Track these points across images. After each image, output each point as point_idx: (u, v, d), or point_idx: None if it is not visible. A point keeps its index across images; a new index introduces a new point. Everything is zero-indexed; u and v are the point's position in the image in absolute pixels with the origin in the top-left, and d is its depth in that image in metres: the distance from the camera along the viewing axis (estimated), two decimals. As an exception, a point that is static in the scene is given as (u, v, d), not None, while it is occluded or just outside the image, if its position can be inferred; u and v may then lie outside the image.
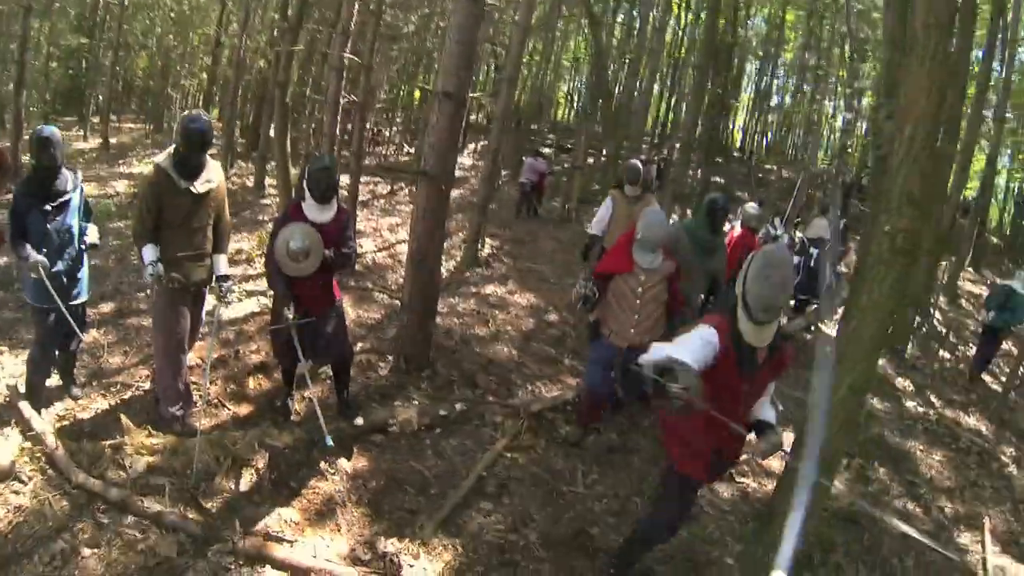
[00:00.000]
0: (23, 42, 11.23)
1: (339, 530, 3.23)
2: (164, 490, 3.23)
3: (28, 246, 3.50)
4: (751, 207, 6.59)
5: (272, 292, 4.16)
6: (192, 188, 3.55)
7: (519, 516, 3.47)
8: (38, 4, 12.85)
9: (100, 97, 19.79)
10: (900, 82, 2.88)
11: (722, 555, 3.48)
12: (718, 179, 18.22)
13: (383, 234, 9.91)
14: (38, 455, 3.42)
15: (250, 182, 12.61)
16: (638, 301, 3.83)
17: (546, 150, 17.37)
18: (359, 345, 5.24)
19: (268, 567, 2.86)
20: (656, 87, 23.33)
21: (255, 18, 17.36)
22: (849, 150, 18.43)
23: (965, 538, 4.43)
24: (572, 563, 3.18)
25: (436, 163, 4.49)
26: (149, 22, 19.59)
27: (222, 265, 3.87)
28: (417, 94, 20.73)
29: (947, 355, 8.65)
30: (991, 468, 5.62)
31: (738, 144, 26.39)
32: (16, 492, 3.17)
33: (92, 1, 19.39)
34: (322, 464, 3.64)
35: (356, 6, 7.81)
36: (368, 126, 20.55)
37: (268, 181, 12.15)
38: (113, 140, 16.45)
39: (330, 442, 3.36)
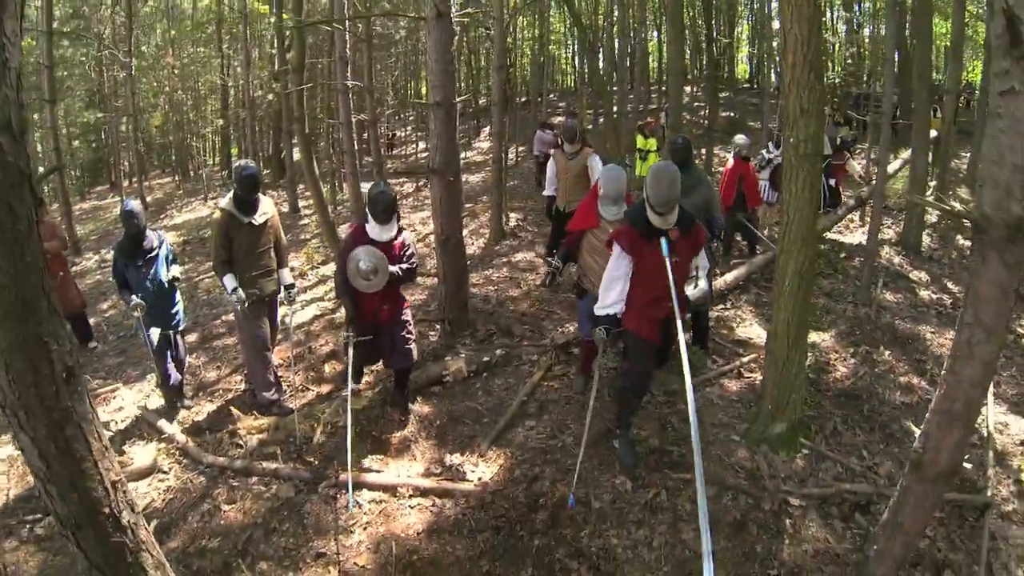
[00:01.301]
0: (55, 131, 12.47)
1: (414, 458, 4.25)
2: (276, 455, 4.30)
3: (130, 293, 4.73)
4: (739, 138, 7.27)
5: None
6: (252, 221, 4.60)
7: (556, 426, 4.38)
8: (58, 92, 14.26)
9: (125, 163, 21.45)
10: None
11: (729, 435, 4.20)
12: (730, 114, 18.59)
13: (416, 227, 11.02)
14: (172, 451, 4.56)
15: (285, 207, 13.87)
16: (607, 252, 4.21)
17: (557, 119, 18.15)
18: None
19: (365, 490, 3.90)
20: (655, 34, 23.79)
21: (255, 54, 18.62)
22: (850, 61, 18.46)
23: None
24: (600, 453, 4.05)
25: (441, 160, 5.40)
26: (156, 83, 21.07)
27: (286, 277, 4.93)
28: (424, 90, 21.77)
29: (967, 242, 9.08)
30: (1006, 341, 6.00)
31: (747, 75, 26.49)
32: (161, 480, 4.30)
33: (99, 75, 21.02)
34: (395, 416, 4.65)
35: (347, 37, 8.83)
36: (382, 131, 21.82)
37: (301, 203, 13.36)
38: (148, 198, 18.00)
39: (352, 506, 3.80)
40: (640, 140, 12.10)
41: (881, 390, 4.73)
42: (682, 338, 3.12)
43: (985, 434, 4.23)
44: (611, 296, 3.65)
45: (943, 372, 2.33)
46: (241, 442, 4.56)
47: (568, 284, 5.57)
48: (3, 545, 3.81)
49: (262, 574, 3.41)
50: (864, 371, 5.05)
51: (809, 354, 5.34)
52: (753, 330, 5.81)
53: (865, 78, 17.07)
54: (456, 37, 5.66)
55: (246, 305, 4.63)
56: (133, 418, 5.18)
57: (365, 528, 3.65)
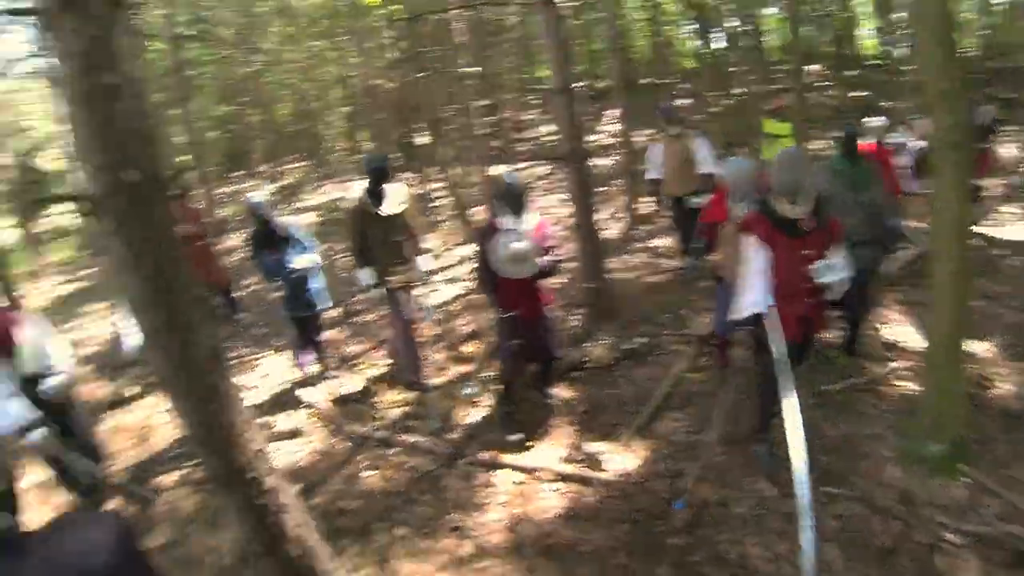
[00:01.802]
0: (189, 125, 14.19)
1: (557, 443, 4.29)
2: (416, 429, 4.49)
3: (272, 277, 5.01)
4: (874, 121, 6.73)
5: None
6: (384, 212, 4.70)
7: (701, 421, 4.24)
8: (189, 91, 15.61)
9: (260, 149, 23.00)
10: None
11: (880, 450, 3.90)
12: (859, 93, 17.26)
13: (552, 210, 10.90)
14: (316, 417, 4.88)
15: (417, 191, 14.35)
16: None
17: (682, 101, 17.66)
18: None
19: (501, 471, 4.00)
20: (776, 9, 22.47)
21: (372, 45, 19.34)
22: (989, 31, 16.51)
23: None
24: (746, 452, 3.91)
25: (567, 147, 5.41)
26: (281, 76, 22.34)
27: (424, 263, 5.03)
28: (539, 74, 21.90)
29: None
30: None
31: (875, 52, 24.47)
32: (309, 443, 4.63)
33: (226, 72, 22.56)
34: (536, 400, 4.71)
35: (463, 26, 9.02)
36: (506, 116, 22.09)
37: (431, 186, 13.81)
38: (284, 182, 19.26)
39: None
40: (768, 124, 11.37)
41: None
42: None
43: None
44: (754, 294, 3.48)
45: None
46: (382, 415, 4.81)
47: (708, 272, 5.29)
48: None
49: (401, 538, 3.59)
50: (1031, 385, 4.52)
51: (967, 366, 4.90)
52: (901, 331, 5.38)
53: (1005, 50, 15.28)
54: (564, 21, 5.59)
55: (382, 292, 4.85)
56: (279, 385, 5.60)
57: (503, 507, 3.74)
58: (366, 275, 4.83)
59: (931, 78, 3.23)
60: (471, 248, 4.63)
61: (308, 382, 5.37)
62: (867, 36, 25.64)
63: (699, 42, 18.91)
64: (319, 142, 23.02)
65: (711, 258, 4.44)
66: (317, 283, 5.22)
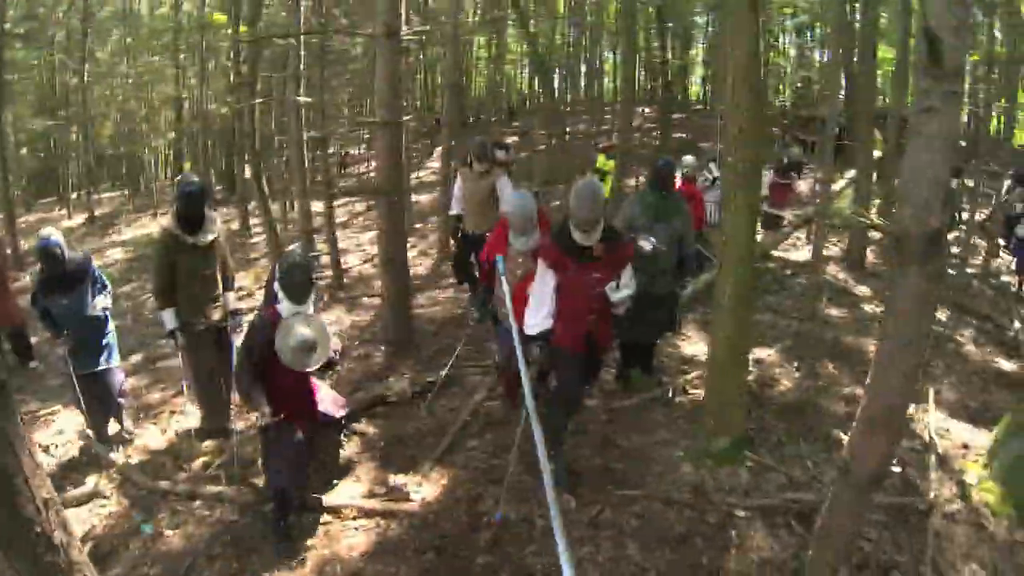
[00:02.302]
0: (2, 137, 12.21)
1: (359, 479, 4.18)
2: (220, 478, 4.17)
3: (55, 327, 4.29)
4: (686, 159, 7.39)
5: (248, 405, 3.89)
6: (197, 242, 4.27)
7: (499, 447, 4.33)
8: (7, 97, 13.89)
9: (74, 174, 20.80)
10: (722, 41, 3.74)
11: (673, 452, 4.21)
12: (682, 135, 18.98)
13: (365, 248, 10.89)
14: (113, 476, 4.38)
15: (236, 224, 13.61)
16: (519, 284, 4.02)
17: (511, 139, 18.28)
18: (354, 343, 6.31)
19: (305, 513, 3.82)
20: (609, 55, 24.24)
21: (212, 66, 18.34)
22: (800, 85, 19.20)
23: (913, 410, 4.77)
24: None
25: (386, 180, 5.37)
26: (109, 92, 20.53)
27: (231, 301, 4.60)
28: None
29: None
30: (946, 349, 6.12)
31: (700, 97, 27.19)
32: (103, 506, 4.15)
33: (49, 81, 20.40)
34: (341, 437, 4.51)
35: (302, 53, 8.78)
36: (335, 151, 21.67)
37: (252, 221, 13.13)
38: (97, 212, 17.46)
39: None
40: (601, 160, 12.27)
41: (824, 402, 4.83)
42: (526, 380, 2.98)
43: (928, 439, 4.37)
44: (542, 312, 3.65)
45: (867, 381, 2.39)
46: (185, 466, 4.44)
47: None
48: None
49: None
50: (808, 384, 5.15)
51: (753, 369, 5.46)
52: (699, 348, 5.89)
53: (815, 101, 17.69)
54: (409, 56, 5.65)
55: (181, 343, 4.43)
56: (73, 442, 4.98)
57: (308, 551, 3.57)
58: (169, 317, 4.35)
59: (732, 116, 3.61)
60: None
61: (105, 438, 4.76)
62: (696, 83, 28.43)
63: (537, 81, 19.83)
64: (141, 168, 21.26)
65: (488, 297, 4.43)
66: (110, 332, 4.64)
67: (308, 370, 3.43)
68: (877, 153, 9.83)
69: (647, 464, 4.11)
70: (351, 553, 3.52)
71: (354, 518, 3.79)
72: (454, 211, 6.43)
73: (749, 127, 3.56)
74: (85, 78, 17.32)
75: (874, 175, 11.11)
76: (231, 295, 4.64)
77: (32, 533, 1.92)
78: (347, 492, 4.04)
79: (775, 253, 8.91)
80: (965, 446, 4.35)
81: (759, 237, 9.42)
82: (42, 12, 18.55)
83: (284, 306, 3.39)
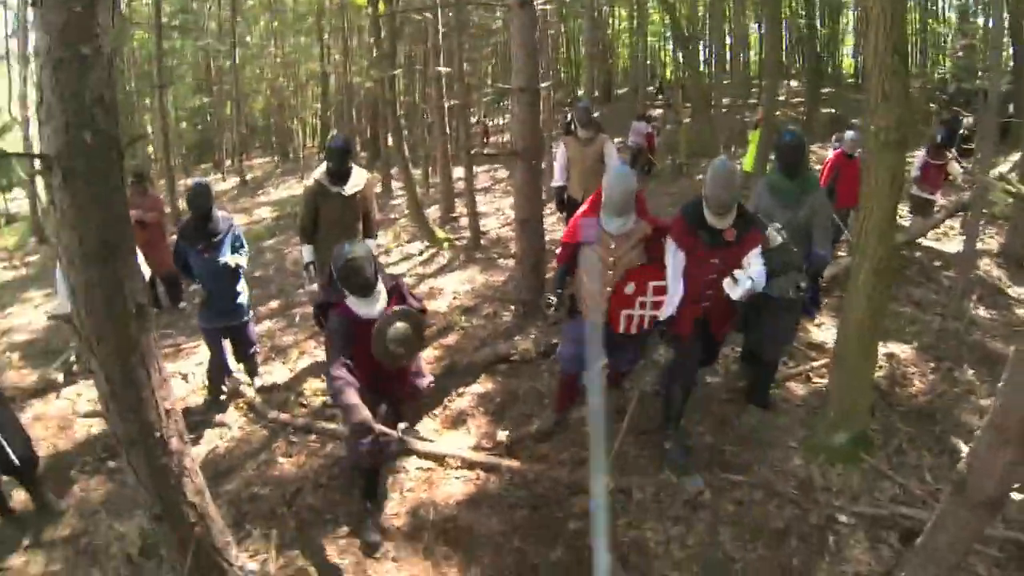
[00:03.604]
0: (163, 114, 13.79)
1: (468, 432, 4.38)
2: (335, 416, 4.49)
3: (192, 277, 4.61)
4: (849, 133, 6.89)
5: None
6: (342, 191, 4.69)
7: (616, 414, 4.21)
8: (167, 79, 15.48)
9: (228, 143, 22.91)
10: None
11: (787, 441, 4.03)
12: (831, 110, 17.66)
13: (505, 212, 11.18)
14: (241, 405, 4.86)
15: (378, 188, 14.44)
16: (610, 272, 3.53)
17: (656, 111, 17.96)
18: (485, 302, 6.59)
19: (414, 457, 4.07)
20: (755, 27, 22.96)
21: (354, 42, 19.41)
22: (961, 54, 17.05)
23: None
24: (653, 443, 4.02)
25: (523, 144, 5.47)
26: (259, 70, 22.30)
27: (370, 246, 4.63)
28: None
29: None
30: None
31: (852, 70, 25.05)
32: (228, 430, 4.62)
33: (205, 63, 22.49)
34: (457, 389, 4.81)
35: (440, 27, 9.08)
36: (477, 120, 22.24)
37: (394, 184, 13.98)
38: (248, 176, 19.19)
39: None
40: (754, 136, 11.77)
41: (958, 412, 4.37)
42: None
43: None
44: (675, 297, 3.54)
45: (1000, 384, 2.06)
46: (306, 402, 4.83)
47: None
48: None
49: (303, 523, 3.62)
50: (943, 389, 4.69)
51: (885, 364, 5.07)
52: (830, 334, 5.51)
53: (979, 72, 15.71)
54: (546, 25, 5.69)
55: (312, 275, 4.83)
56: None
57: (409, 492, 3.80)
58: (308, 251, 4.83)
59: (875, 79, 3.31)
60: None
61: (219, 392, 5.09)
62: (847, 55, 26.29)
63: (680, 55, 19.22)
64: (290, 138, 23.03)
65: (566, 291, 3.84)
66: (244, 289, 4.83)
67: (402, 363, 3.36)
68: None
69: (759, 450, 3.97)
70: (448, 500, 3.70)
71: (457, 468, 3.96)
72: (558, 182, 6.30)
73: (893, 89, 3.25)
74: (236, 60, 18.90)
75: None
76: (371, 241, 4.91)
77: (151, 437, 2.18)
78: (455, 443, 4.24)
79: (923, 241, 8.12)
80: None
81: (907, 223, 8.74)
82: (195, 5, 20.52)
83: (352, 300, 3.28)
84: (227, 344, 4.93)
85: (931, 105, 14.95)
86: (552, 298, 3.71)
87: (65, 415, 5.09)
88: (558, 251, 3.90)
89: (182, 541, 2.37)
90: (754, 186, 10.00)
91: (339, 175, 4.67)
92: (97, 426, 4.75)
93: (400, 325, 3.22)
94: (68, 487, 4.17)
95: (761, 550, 3.26)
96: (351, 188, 4.72)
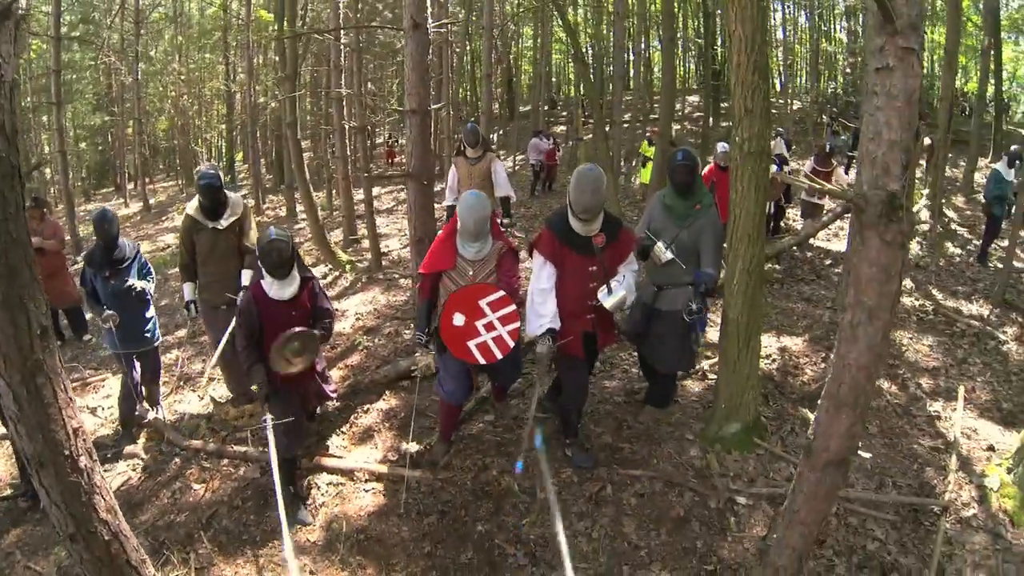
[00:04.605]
0: (61, 133, 13.12)
1: (375, 447, 4.45)
2: (247, 440, 4.50)
3: (100, 305, 4.51)
4: (720, 145, 7.38)
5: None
6: (216, 226, 4.60)
7: (514, 422, 4.54)
8: (65, 95, 14.81)
9: (131, 165, 21.99)
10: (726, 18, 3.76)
11: (684, 434, 4.31)
12: (728, 124, 18.74)
13: (406, 232, 11.15)
14: (152, 435, 4.78)
15: (283, 211, 14.27)
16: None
17: (559, 128, 18.44)
18: (387, 320, 6.67)
19: (324, 473, 4.13)
20: (657, 44, 24.01)
21: (259, 60, 19.06)
22: (849, 71, 18.62)
23: (940, 407, 4.84)
24: (553, 446, 4.18)
25: (416, 165, 5.60)
26: (162, 88, 21.56)
27: (245, 278, 4.64)
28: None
29: (958, 250, 9.19)
30: (985, 347, 6.01)
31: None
32: (141, 462, 4.53)
33: (106, 79, 21.59)
34: (362, 407, 4.90)
35: (342, 48, 9.15)
36: (383, 140, 22.18)
37: (299, 208, 13.69)
38: (152, 200, 18.44)
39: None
40: (644, 146, 12.50)
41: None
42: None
43: (952, 439, 4.32)
44: (547, 309, 3.49)
45: (832, 356, 2.32)
46: (217, 427, 4.80)
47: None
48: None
49: (220, 545, 3.63)
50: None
51: (778, 357, 5.51)
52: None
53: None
54: (448, 45, 5.86)
55: (193, 315, 4.80)
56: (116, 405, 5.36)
57: (321, 507, 3.86)
58: (188, 290, 4.78)
59: (738, 95, 3.67)
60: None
61: (131, 421, 4.95)
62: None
63: (587, 71, 19.92)
64: (195, 160, 22.31)
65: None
66: (153, 315, 4.89)
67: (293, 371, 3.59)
68: (927, 140, 9.57)
69: (656, 445, 4.21)
70: (359, 512, 3.79)
71: (366, 481, 4.05)
72: (448, 201, 6.56)
73: (755, 105, 3.62)
74: (139, 76, 18.26)
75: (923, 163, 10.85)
76: (246, 273, 4.68)
77: (60, 456, 2.19)
78: (362, 457, 4.33)
79: (813, 242, 8.80)
80: (991, 448, 4.28)
81: (799, 225, 9.42)
82: (96, 16, 19.70)
83: (267, 281, 3.59)
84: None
85: (823, 117, 16.12)
86: (422, 336, 3.75)
87: None
88: (418, 285, 3.97)
89: (97, 560, 2.38)
90: (649, 199, 10.57)
91: (213, 209, 4.61)
92: (4, 464, 4.58)
93: (296, 344, 3.51)
94: None
95: (664, 536, 3.49)
96: (226, 220, 4.64)
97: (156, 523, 3.86)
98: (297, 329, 3.50)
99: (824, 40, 22.31)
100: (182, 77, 21.07)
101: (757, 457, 4.06)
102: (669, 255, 3.85)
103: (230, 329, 4.44)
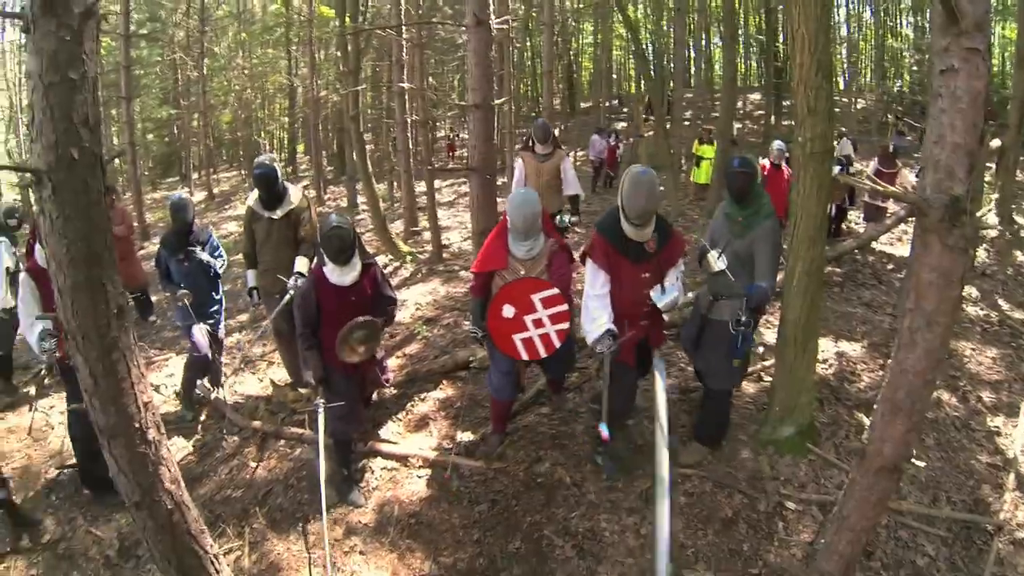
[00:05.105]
0: (130, 126, 13.82)
1: (430, 434, 4.60)
2: (303, 423, 4.69)
3: (173, 284, 4.89)
4: (775, 144, 7.24)
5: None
6: (272, 216, 4.76)
7: (570, 415, 4.60)
8: (134, 90, 15.54)
9: (195, 156, 22.87)
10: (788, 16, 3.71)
11: (737, 435, 4.28)
12: (791, 123, 18.31)
13: (467, 226, 11.35)
14: (212, 413, 5.06)
15: (343, 202, 14.72)
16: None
17: (620, 124, 18.37)
18: (447, 311, 6.86)
19: (379, 458, 4.30)
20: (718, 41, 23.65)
21: (320, 55, 19.59)
22: (916, 69, 17.88)
23: (1001, 423, 4.64)
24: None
25: (479, 160, 5.70)
26: (226, 82, 22.34)
27: (299, 265, 4.70)
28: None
29: (1028, 258, 8.76)
30: None
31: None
32: (199, 438, 4.81)
33: (172, 74, 22.50)
34: (419, 395, 5.06)
35: (404, 42, 9.34)
36: (444, 134, 22.47)
37: (359, 199, 14.17)
38: (215, 190, 19.17)
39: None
40: (696, 145, 12.32)
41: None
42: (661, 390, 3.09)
43: (1011, 456, 4.18)
44: (603, 316, 3.44)
45: (890, 362, 2.30)
46: (275, 410, 5.02)
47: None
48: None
49: (274, 521, 3.83)
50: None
51: (835, 362, 5.41)
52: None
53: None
54: (508, 42, 5.91)
55: (256, 302, 5.00)
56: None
57: (374, 491, 4.02)
58: (251, 276, 4.97)
59: (801, 95, 3.62)
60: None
61: (193, 394, 5.27)
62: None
63: (648, 67, 19.78)
64: (257, 151, 23.05)
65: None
66: (220, 297, 5.24)
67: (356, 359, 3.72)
68: (996, 142, 9.15)
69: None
70: (411, 497, 3.93)
71: (419, 467, 4.20)
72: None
73: (817, 105, 3.57)
74: (204, 71, 18.97)
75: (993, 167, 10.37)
76: (301, 260, 4.75)
77: (131, 427, 2.36)
78: (417, 444, 4.48)
79: (876, 246, 8.55)
80: (1054, 469, 4.11)
81: (862, 228, 9.16)
82: (163, 15, 20.56)
83: (328, 267, 3.70)
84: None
85: (888, 117, 15.58)
86: (477, 331, 3.88)
87: (38, 427, 5.20)
88: (470, 283, 4.04)
89: (160, 528, 2.53)
90: (712, 197, 10.36)
91: (269, 199, 4.76)
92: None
93: (361, 333, 3.62)
94: (44, 496, 4.34)
95: (712, 536, 3.50)
96: (281, 211, 4.78)
97: (213, 497, 4.09)
98: (363, 318, 3.60)
99: (889, 36, 21.54)
100: (245, 72, 21.77)
101: (809, 462, 4.02)
102: (720, 265, 3.69)
103: (277, 309, 4.69)
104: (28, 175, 2.08)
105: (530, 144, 6.26)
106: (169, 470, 2.51)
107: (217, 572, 2.76)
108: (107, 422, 2.32)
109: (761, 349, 5.44)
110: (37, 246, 3.85)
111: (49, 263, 2.15)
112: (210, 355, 5.02)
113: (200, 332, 4.94)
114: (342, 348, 3.59)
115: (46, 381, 5.79)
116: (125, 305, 2.31)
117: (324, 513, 3.25)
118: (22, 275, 4.00)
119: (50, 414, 5.36)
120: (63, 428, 4.89)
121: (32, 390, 5.71)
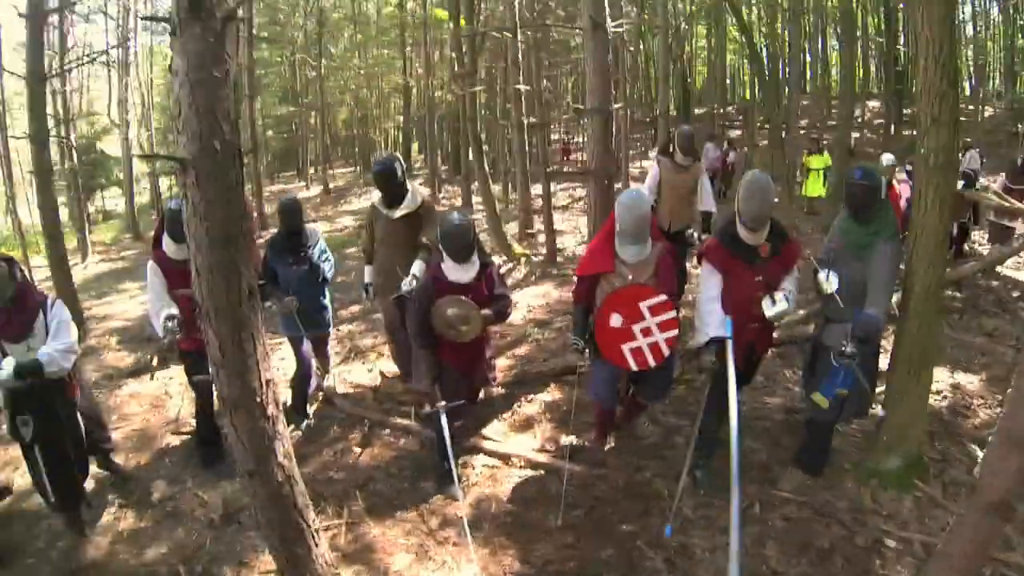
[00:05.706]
0: (252, 123, 14.84)
1: (534, 436, 4.69)
2: (410, 414, 4.91)
3: (279, 289, 4.61)
4: (885, 157, 6.74)
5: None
6: (391, 215, 4.72)
7: (674, 428, 4.58)
8: (255, 89, 16.62)
9: (312, 152, 24.19)
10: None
11: (842, 463, 4.08)
12: (913, 132, 17.12)
13: (581, 231, 11.55)
14: (321, 399, 5.34)
15: (458, 201, 15.18)
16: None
17: (734, 133, 17.82)
18: (558, 315, 6.97)
19: (481, 455, 4.43)
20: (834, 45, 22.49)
21: (436, 55, 20.18)
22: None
23: None
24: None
25: (597, 164, 5.75)
26: (343, 82, 23.44)
27: (416, 267, 4.58)
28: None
29: None
30: None
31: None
32: (309, 421, 5.05)
33: (291, 74, 23.87)
34: (526, 396, 5.18)
35: (520, 44, 9.51)
36: (558, 137, 22.68)
37: (474, 199, 14.58)
38: (331, 185, 20.23)
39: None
40: (806, 156, 11.84)
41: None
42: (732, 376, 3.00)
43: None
44: (715, 318, 3.38)
45: (1008, 391, 2.19)
46: (382, 400, 5.28)
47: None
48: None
49: (373, 506, 4.01)
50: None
51: (949, 394, 5.06)
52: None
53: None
54: (623, 45, 5.90)
55: (370, 298, 5.11)
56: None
57: (473, 486, 4.14)
58: (368, 272, 5.05)
59: (924, 103, 3.42)
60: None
61: (304, 405, 5.22)
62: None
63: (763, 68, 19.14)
64: (372, 148, 24.07)
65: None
66: (328, 302, 5.06)
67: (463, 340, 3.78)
68: None
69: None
70: (509, 496, 4.02)
71: (520, 467, 4.30)
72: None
73: (943, 114, 3.34)
74: (322, 71, 20.01)
75: None
76: (417, 262, 4.63)
77: (252, 401, 2.54)
78: (520, 444, 4.58)
79: (1000, 270, 7.88)
80: None
81: (986, 250, 8.45)
82: (283, 18, 21.82)
83: (447, 264, 3.77)
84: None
85: (1019, 127, 14.24)
86: (578, 342, 3.75)
87: (157, 394, 5.72)
88: (573, 288, 3.99)
89: (269, 497, 2.72)
90: (826, 211, 9.83)
91: (390, 198, 4.73)
92: (186, 408, 5.19)
93: (453, 310, 3.71)
94: (158, 458, 4.76)
95: (805, 566, 3.36)
96: (400, 211, 4.71)
97: (317, 476, 4.31)
98: (458, 296, 3.70)
99: (1020, 36, 19.66)
100: (361, 71, 22.77)
101: (914, 499, 3.77)
102: (830, 288, 3.41)
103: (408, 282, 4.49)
104: (173, 163, 2.30)
105: (670, 150, 5.96)
106: (283, 445, 2.69)
107: (316, 545, 2.92)
108: (231, 394, 2.50)
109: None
110: (164, 236, 4.04)
111: (189, 244, 2.35)
112: (312, 378, 5.01)
113: (309, 350, 4.90)
114: (437, 320, 3.73)
115: (163, 359, 6.24)
116: (255, 287, 2.50)
117: (464, 521, 3.34)
118: (149, 263, 4.09)
119: (169, 384, 5.83)
120: (179, 398, 5.36)
121: (154, 360, 6.24)
